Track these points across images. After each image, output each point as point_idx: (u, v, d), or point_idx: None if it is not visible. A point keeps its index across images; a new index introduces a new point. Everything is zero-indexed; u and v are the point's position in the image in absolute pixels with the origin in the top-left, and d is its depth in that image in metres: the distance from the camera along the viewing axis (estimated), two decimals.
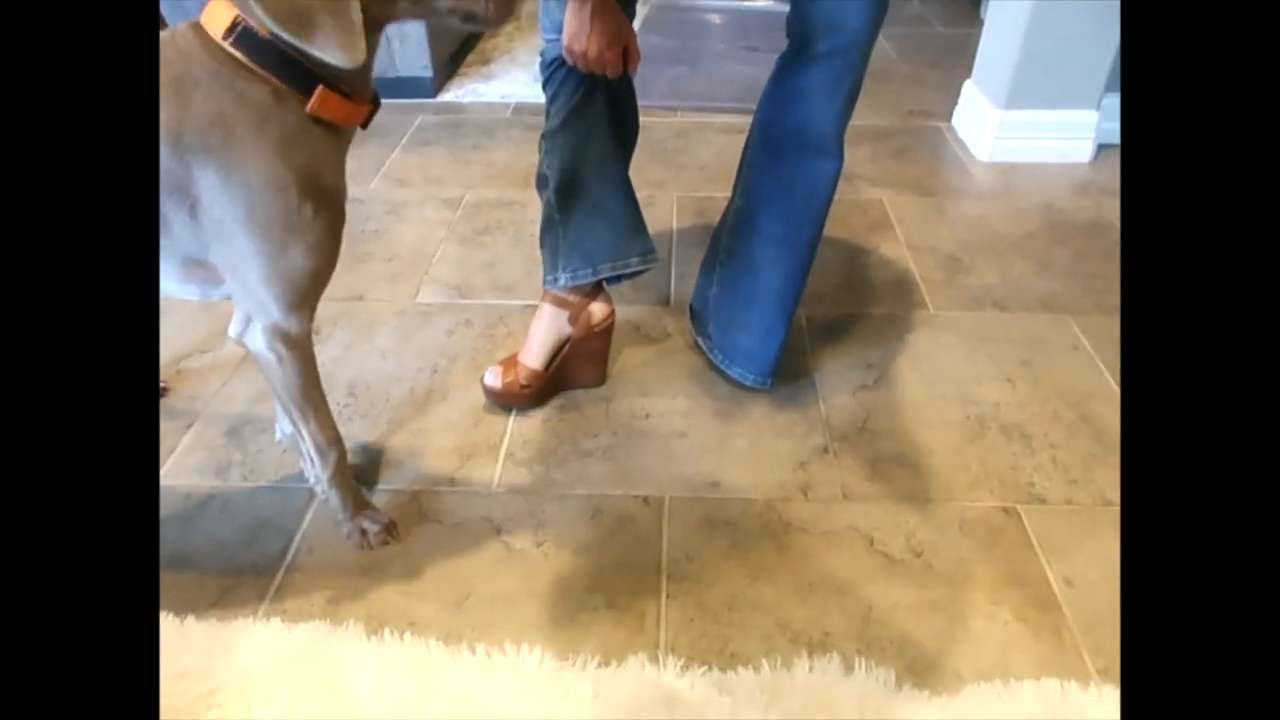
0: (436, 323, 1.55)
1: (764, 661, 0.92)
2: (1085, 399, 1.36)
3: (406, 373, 1.43)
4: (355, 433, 1.30)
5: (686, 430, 1.31)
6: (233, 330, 1.03)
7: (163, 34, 0.81)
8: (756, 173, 1.28)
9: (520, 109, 2.43)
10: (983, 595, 1.05)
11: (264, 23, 0.74)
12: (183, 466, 1.24)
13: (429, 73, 2.46)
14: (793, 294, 1.30)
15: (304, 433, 1.03)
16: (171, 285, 0.91)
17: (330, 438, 1.05)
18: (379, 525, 1.12)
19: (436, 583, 1.08)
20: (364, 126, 0.91)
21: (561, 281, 1.29)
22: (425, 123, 2.36)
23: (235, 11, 0.77)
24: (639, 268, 1.30)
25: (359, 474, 1.22)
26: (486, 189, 2.01)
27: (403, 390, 1.39)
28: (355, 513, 1.11)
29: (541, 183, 1.29)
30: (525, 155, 2.14)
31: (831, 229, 1.79)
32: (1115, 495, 1.19)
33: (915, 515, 1.16)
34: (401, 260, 1.74)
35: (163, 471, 1.24)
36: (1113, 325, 1.52)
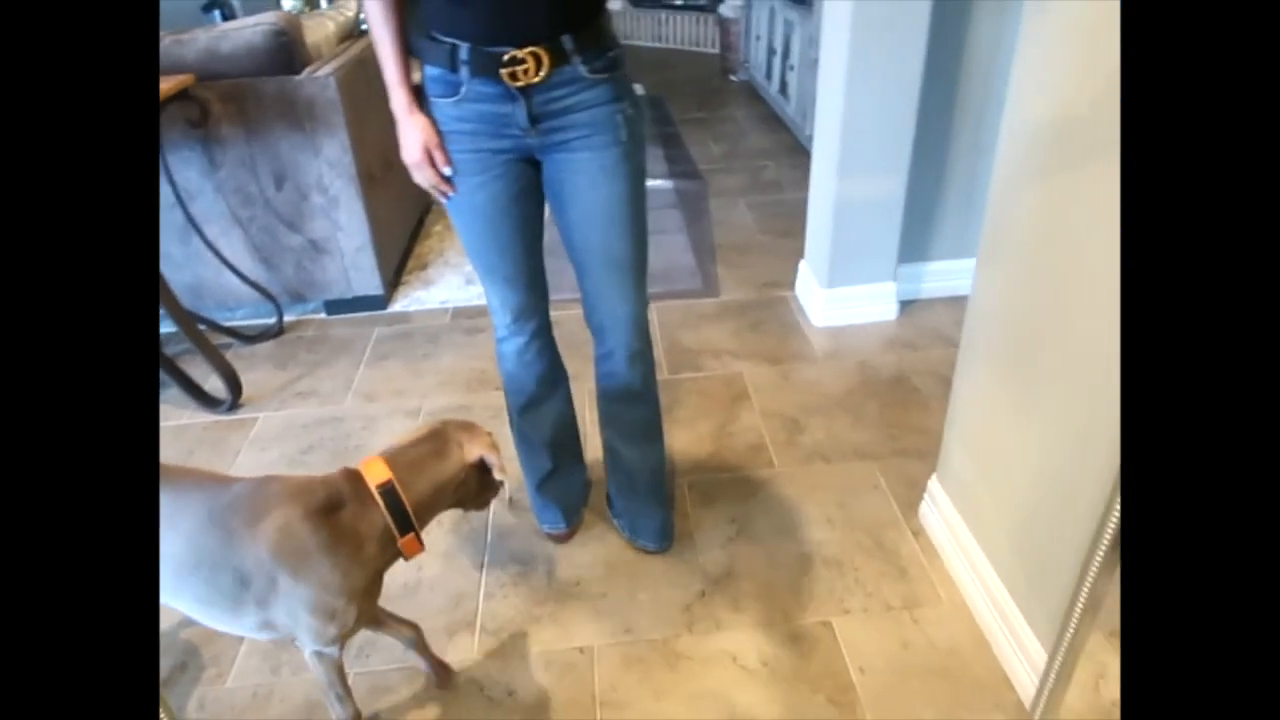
0: None
1: None
2: (880, 529, 1.95)
3: (401, 569, 1.94)
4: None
5: (607, 591, 1.84)
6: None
7: (330, 474, 1.29)
8: (601, 414, 1.82)
9: (458, 314, 3.01)
10: (806, 688, 1.60)
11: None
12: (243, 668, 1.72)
13: (380, 290, 3.02)
14: (661, 484, 1.87)
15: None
16: (249, 632, 1.32)
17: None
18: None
19: None
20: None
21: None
22: (381, 335, 2.91)
23: (389, 475, 1.26)
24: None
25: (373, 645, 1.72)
26: (439, 396, 2.55)
27: (399, 583, 1.90)
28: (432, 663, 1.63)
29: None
30: (467, 359, 2.70)
31: (705, 403, 2.40)
32: (895, 602, 1.76)
33: (764, 635, 1.71)
34: None
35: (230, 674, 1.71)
36: (902, 465, 2.13)
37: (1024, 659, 1.54)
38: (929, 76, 2.44)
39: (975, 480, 1.71)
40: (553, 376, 1.80)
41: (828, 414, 2.34)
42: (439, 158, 1.45)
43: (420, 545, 1.32)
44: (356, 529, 1.25)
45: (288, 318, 3.01)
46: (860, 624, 1.72)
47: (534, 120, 1.39)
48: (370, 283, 3.01)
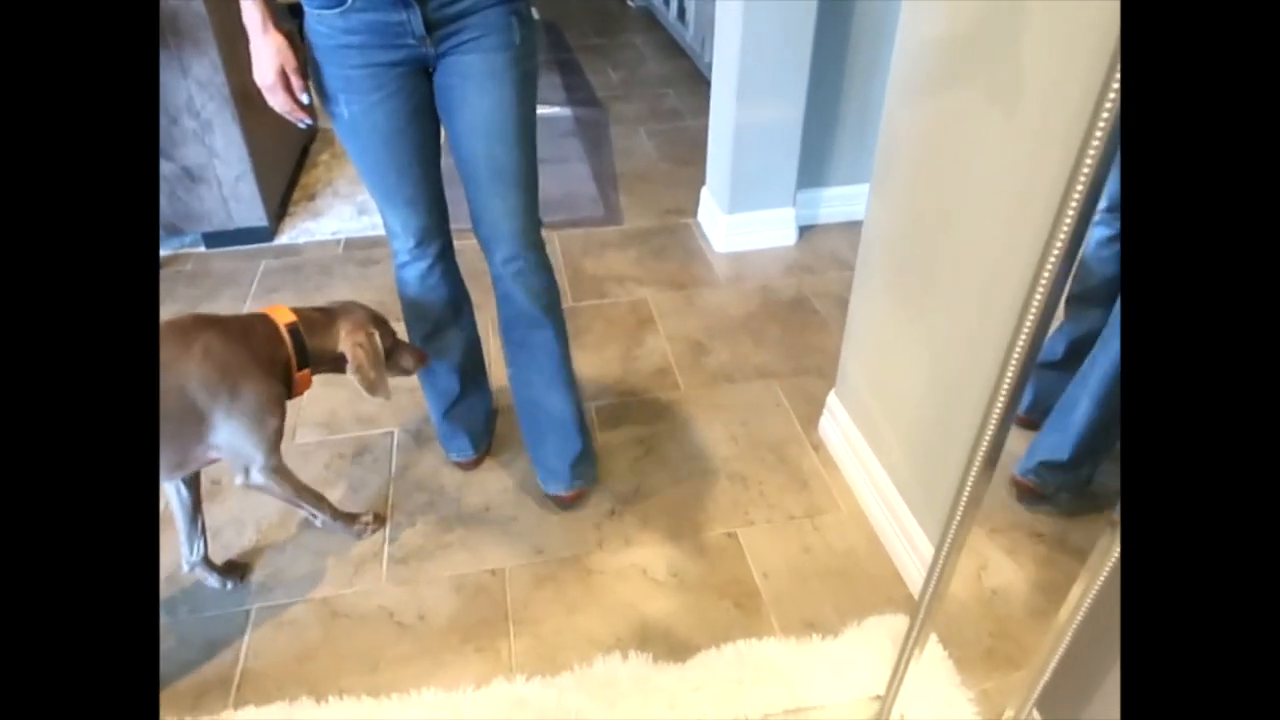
0: (315, 459, 2.01)
1: (576, 665, 1.48)
2: (782, 444, 2.02)
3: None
4: (270, 560, 1.75)
5: (517, 515, 1.85)
6: (238, 481, 1.49)
7: (249, 312, 1.48)
8: (506, 349, 1.74)
9: (351, 245, 2.88)
10: (714, 594, 1.66)
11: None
12: None
13: (264, 221, 2.86)
14: (572, 420, 1.79)
15: (309, 509, 1.65)
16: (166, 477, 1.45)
17: (319, 500, 1.66)
18: (369, 520, 1.81)
19: (355, 659, 1.56)
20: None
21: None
22: (269, 268, 2.76)
23: (294, 318, 1.48)
24: None
25: (269, 587, 1.68)
26: None
27: (300, 519, 1.85)
28: (352, 524, 1.77)
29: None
30: (362, 291, 2.60)
31: (611, 330, 2.40)
32: (798, 511, 1.84)
33: (673, 549, 1.76)
34: None
35: None
36: (803, 383, 2.20)
37: (914, 556, 1.64)
38: (825, 1, 2.45)
39: (870, 394, 1.78)
40: (456, 300, 1.75)
41: (731, 336, 2.39)
42: (295, 82, 1.36)
43: (310, 382, 1.53)
44: (268, 354, 1.44)
45: (163, 252, 2.82)
46: (764, 533, 1.79)
47: (430, 27, 1.32)
48: (253, 214, 2.84)
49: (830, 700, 1.41)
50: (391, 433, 2.08)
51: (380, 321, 1.59)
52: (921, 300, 1.51)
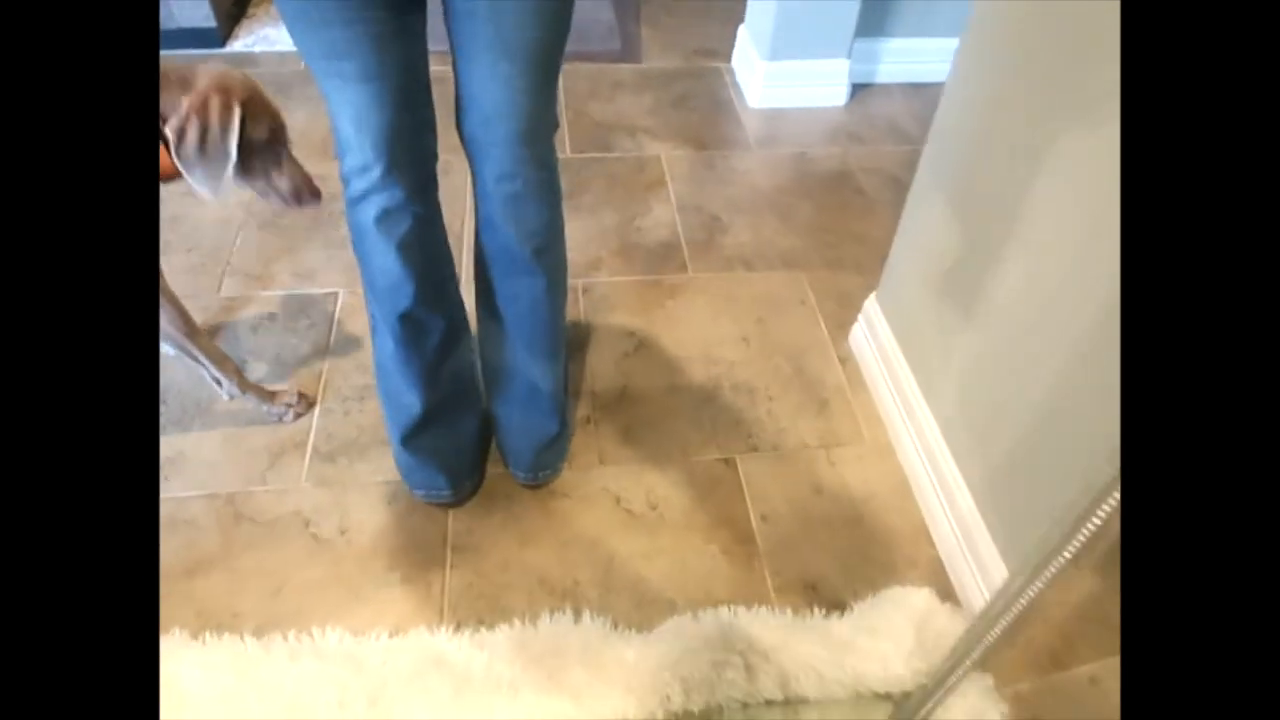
0: (241, 318, 1.67)
1: (516, 619, 1.19)
2: (803, 352, 1.66)
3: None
4: (169, 441, 1.45)
5: None
6: None
7: None
8: (478, 293, 1.29)
9: None
10: (699, 538, 1.36)
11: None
12: None
13: (212, 22, 2.39)
14: (552, 398, 1.34)
15: (213, 372, 1.41)
16: None
17: (222, 359, 1.40)
18: (293, 402, 1.49)
19: (255, 577, 1.28)
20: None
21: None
22: None
23: None
24: None
25: (169, 483, 1.38)
26: None
27: (212, 393, 1.53)
28: (273, 401, 1.47)
29: None
30: (323, 118, 2.18)
31: (613, 191, 2.00)
32: (811, 439, 1.50)
33: (655, 473, 1.44)
34: (201, 250, 1.82)
35: None
36: (835, 279, 1.81)
37: (948, 510, 1.32)
38: None
39: (923, 305, 1.41)
40: (438, 282, 1.21)
41: (755, 212, 1.98)
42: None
43: (171, 167, 1.07)
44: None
45: None
46: (768, 464, 1.47)
47: None
48: (198, 12, 2.37)
49: (828, 696, 1.13)
50: (336, 294, 1.73)
51: (258, 103, 1.09)
52: (1008, 199, 1.10)
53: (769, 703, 1.13)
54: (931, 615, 1.20)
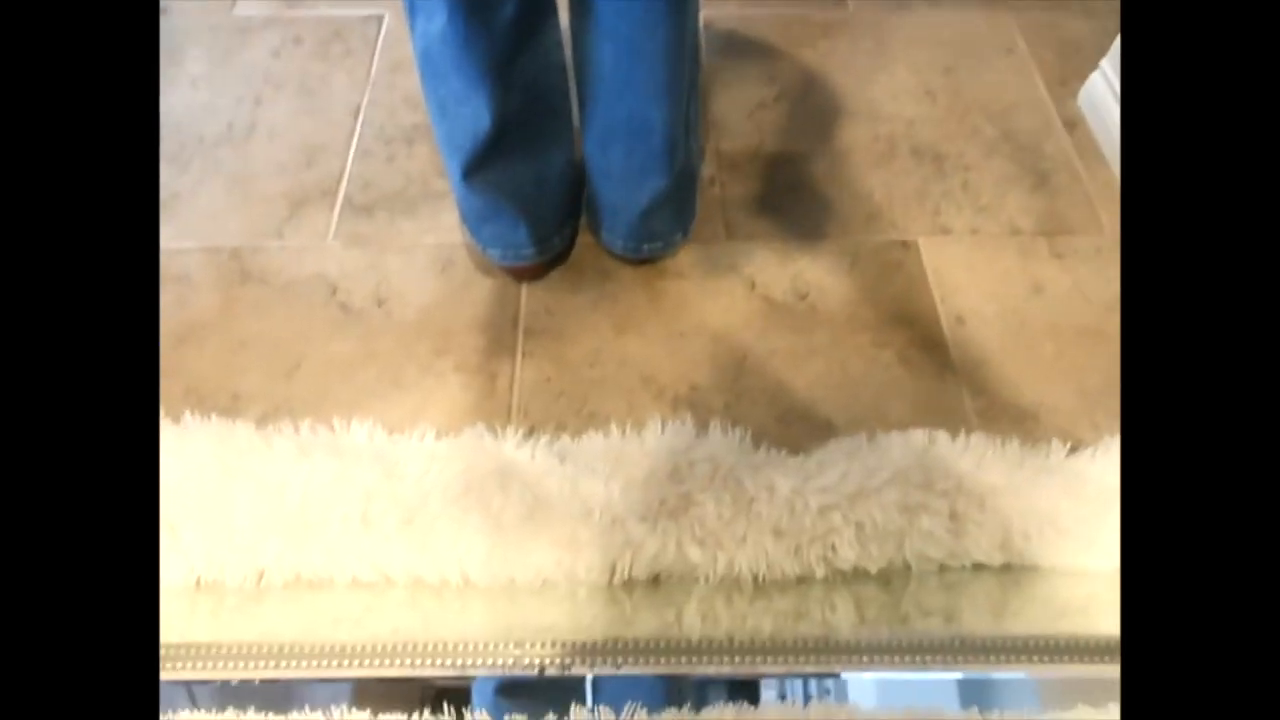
0: (259, 41, 1.29)
1: (614, 426, 0.83)
2: (1010, 111, 1.20)
3: (223, 104, 1.20)
4: (162, 180, 1.11)
5: None
6: None
7: None
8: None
9: None
10: (866, 338, 0.96)
11: None
12: None
13: None
14: (665, 138, 0.88)
15: None
16: None
17: None
18: None
19: (263, 351, 0.95)
20: None
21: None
22: None
23: None
24: None
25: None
26: None
27: (219, 127, 1.17)
28: None
29: None
30: None
31: None
32: (1025, 223, 1.07)
33: (804, 254, 1.04)
34: None
35: None
36: (1054, 21, 1.32)
37: None
38: None
39: None
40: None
41: None
42: None
43: None
44: None
45: None
46: (964, 250, 1.05)
47: None
48: None
49: (1071, 566, 0.75)
50: (380, 17, 1.32)
51: None
52: None
53: (979, 567, 0.77)
54: None
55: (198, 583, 0.73)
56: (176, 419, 0.85)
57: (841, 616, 0.71)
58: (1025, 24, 1.31)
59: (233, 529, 0.73)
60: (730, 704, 0.66)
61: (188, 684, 0.67)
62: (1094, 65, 1.17)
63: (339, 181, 1.11)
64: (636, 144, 0.89)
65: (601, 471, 0.76)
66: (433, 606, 0.72)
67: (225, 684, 0.67)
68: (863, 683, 0.70)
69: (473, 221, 0.96)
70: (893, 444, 0.81)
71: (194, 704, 0.68)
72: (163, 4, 1.33)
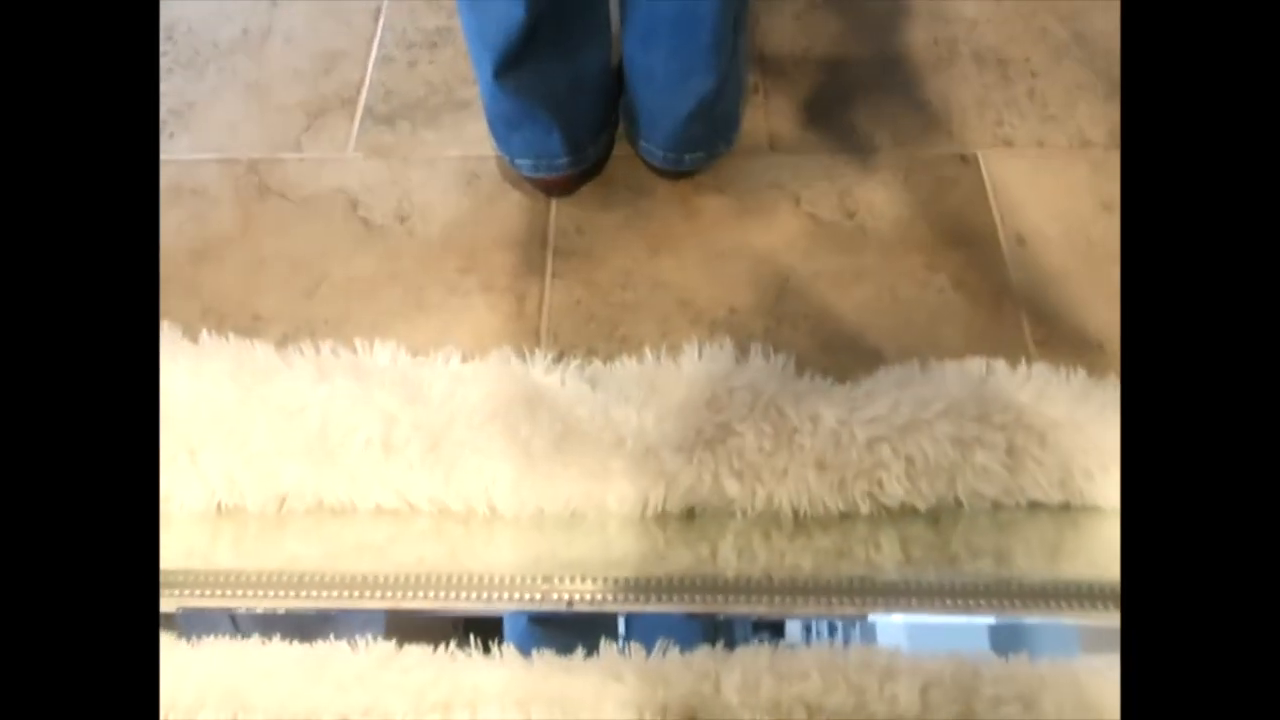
0: None
1: (647, 351, 0.79)
2: (1082, 11, 1.09)
3: (237, 8, 1.13)
4: (176, 88, 1.05)
5: None
6: None
7: None
8: None
9: None
10: (919, 260, 0.90)
11: None
12: None
13: None
14: (712, 32, 0.80)
15: None
16: None
17: None
18: None
19: (282, 268, 0.92)
20: None
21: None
22: None
23: None
24: None
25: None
26: None
27: (233, 30, 1.11)
28: None
29: None
30: None
31: None
32: (1096, 134, 0.98)
33: (853, 168, 0.97)
34: None
35: None
36: None
37: None
38: None
39: None
40: None
41: None
42: None
43: None
44: None
45: None
46: (1029, 165, 0.97)
47: None
48: None
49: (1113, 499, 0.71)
50: None
51: None
52: None
53: (1035, 505, 0.72)
54: None
55: (219, 508, 0.71)
56: (195, 339, 0.82)
57: (886, 555, 0.67)
58: None
59: (251, 453, 0.71)
60: (766, 643, 0.63)
61: (229, 611, 0.66)
62: None
63: (359, 90, 1.05)
64: (682, 41, 0.81)
65: (634, 398, 0.72)
66: (459, 536, 0.70)
67: (251, 612, 0.66)
68: (901, 626, 0.67)
69: (501, 129, 0.90)
70: (947, 373, 0.75)
71: (237, 630, 0.67)
72: None
